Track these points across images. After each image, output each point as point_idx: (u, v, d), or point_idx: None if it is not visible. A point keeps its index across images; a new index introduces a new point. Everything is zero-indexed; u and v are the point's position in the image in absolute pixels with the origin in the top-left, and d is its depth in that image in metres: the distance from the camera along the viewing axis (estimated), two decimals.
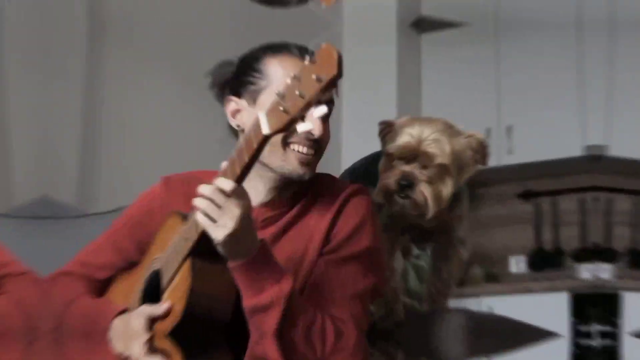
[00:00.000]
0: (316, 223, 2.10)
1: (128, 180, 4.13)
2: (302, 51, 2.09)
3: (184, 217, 2.01)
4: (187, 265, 1.94)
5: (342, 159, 6.00)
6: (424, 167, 2.19)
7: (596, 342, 5.14)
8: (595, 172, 6.10)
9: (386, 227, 2.39)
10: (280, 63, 2.09)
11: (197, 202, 1.87)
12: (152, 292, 2.05)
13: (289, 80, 1.75)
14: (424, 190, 2.17)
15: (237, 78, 2.14)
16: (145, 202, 2.22)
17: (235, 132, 2.17)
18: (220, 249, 1.88)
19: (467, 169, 2.27)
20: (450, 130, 2.23)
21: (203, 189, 1.87)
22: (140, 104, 4.26)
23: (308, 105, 1.72)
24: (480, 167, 2.31)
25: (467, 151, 2.25)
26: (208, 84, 2.21)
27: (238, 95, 2.13)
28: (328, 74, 1.67)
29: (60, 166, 3.92)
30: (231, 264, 1.89)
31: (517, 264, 6.23)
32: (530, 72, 6.05)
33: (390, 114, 5.88)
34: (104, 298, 2.18)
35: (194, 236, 1.92)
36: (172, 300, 1.95)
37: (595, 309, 5.42)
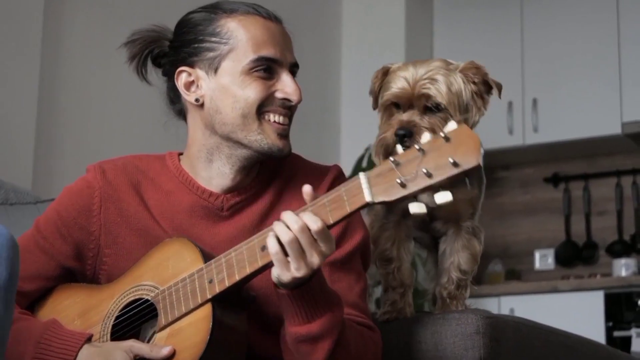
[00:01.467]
0: (299, 207, 2.10)
1: (87, 164, 4.13)
2: (257, 8, 2.10)
3: (202, 253, 1.96)
4: (206, 311, 1.91)
5: (341, 131, 5.99)
6: (424, 112, 2.17)
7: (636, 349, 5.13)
8: (634, 152, 6.09)
9: (388, 209, 2.38)
10: (241, 23, 2.07)
11: (281, 232, 1.82)
12: (131, 323, 2.01)
13: (412, 152, 1.74)
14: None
15: (186, 46, 2.10)
16: (78, 197, 2.13)
17: (179, 110, 2.17)
18: (274, 280, 1.87)
19: (474, 108, 2.22)
20: (447, 68, 2.20)
21: (289, 219, 1.82)
22: (102, 81, 4.29)
23: (433, 189, 1.72)
24: (489, 100, 2.26)
25: (468, 85, 2.21)
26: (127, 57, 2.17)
27: (190, 65, 2.09)
28: (467, 162, 1.71)
29: (13, 149, 3.92)
30: (282, 291, 1.88)
31: (543, 259, 6.22)
32: (558, 36, 6.00)
33: None
34: (53, 319, 2.07)
35: (240, 272, 1.89)
36: (177, 347, 1.91)
37: (633, 311, 5.42)
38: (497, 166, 6.38)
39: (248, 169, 2.12)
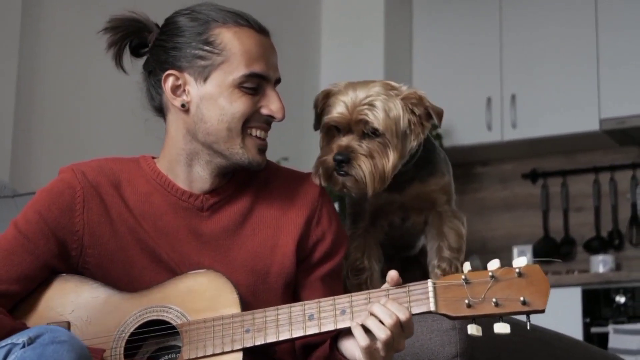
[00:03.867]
0: (283, 215, 2.16)
1: (66, 157, 4.11)
2: (250, 20, 2.11)
3: (240, 297, 1.99)
4: (234, 357, 1.94)
5: None
6: (362, 136, 2.18)
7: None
8: (612, 149, 6.12)
9: (356, 215, 2.40)
10: (235, 36, 2.08)
11: (377, 330, 1.86)
12: (146, 341, 2.02)
13: (483, 274, 1.83)
14: (362, 165, 2.15)
15: (176, 49, 2.10)
16: (60, 197, 2.11)
17: (158, 106, 2.16)
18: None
19: (412, 134, 2.23)
20: (387, 93, 2.21)
21: (383, 314, 1.86)
22: (81, 74, 4.27)
23: (497, 316, 1.80)
24: (432, 130, 2.29)
25: (407, 113, 2.23)
26: (107, 43, 2.17)
27: (179, 69, 2.09)
28: (536, 305, 1.79)
29: None
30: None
31: (521, 255, 6.22)
32: (537, 32, 6.01)
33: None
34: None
35: (281, 334, 1.93)
36: None
37: (610, 308, 5.45)
38: (475, 162, 6.40)
39: (224, 174, 2.15)
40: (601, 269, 5.79)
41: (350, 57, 6.04)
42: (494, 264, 1.83)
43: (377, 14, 6.15)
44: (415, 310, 1.86)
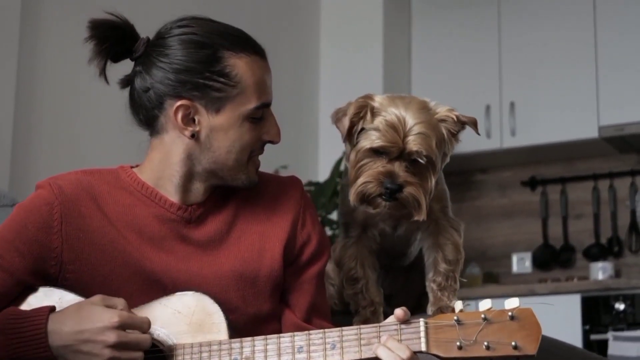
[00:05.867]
0: (268, 219, 2.18)
1: (65, 165, 4.11)
2: (257, 48, 2.12)
3: (228, 322, 1.99)
4: None
5: (319, 131, 6.01)
6: (410, 163, 2.19)
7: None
8: (611, 156, 6.12)
9: (347, 225, 2.41)
10: (248, 66, 2.08)
11: (383, 354, 1.86)
12: None
13: (475, 315, 1.83)
14: (414, 193, 2.17)
15: (183, 74, 2.07)
16: (36, 214, 2.08)
17: (145, 120, 2.14)
18: None
19: (448, 154, 2.27)
20: (430, 117, 2.22)
21: (395, 352, 1.86)
22: (80, 82, 4.27)
23: (487, 359, 1.81)
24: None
25: (446, 134, 2.25)
26: (91, 53, 2.15)
27: (189, 98, 2.07)
28: (527, 349, 1.80)
29: None
30: None
31: (521, 263, 6.24)
32: (536, 40, 6.01)
33: (375, 87, 5.89)
34: (6, 309, 2.04)
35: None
36: None
37: (610, 314, 5.44)
38: (474, 169, 6.40)
39: (217, 187, 2.17)
40: (600, 276, 5.79)
41: (349, 64, 6.04)
42: (485, 305, 1.83)
43: (376, 21, 6.16)
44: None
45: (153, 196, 2.13)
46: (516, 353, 1.79)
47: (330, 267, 2.42)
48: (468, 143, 5.97)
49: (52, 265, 2.08)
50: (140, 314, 2.00)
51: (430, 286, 2.36)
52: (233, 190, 2.19)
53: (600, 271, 5.82)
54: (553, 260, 6.15)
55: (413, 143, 2.18)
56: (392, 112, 2.21)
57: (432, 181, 2.22)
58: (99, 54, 2.14)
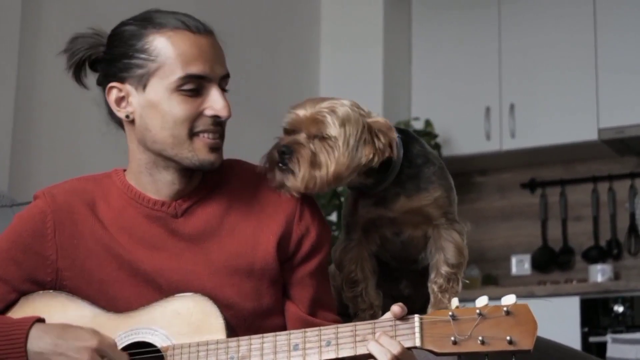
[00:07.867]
0: (261, 212, 2.17)
1: (65, 166, 4.12)
2: (187, 22, 2.08)
3: (226, 323, 2.00)
4: None
5: None
6: (313, 138, 2.17)
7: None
8: (611, 158, 6.12)
9: (349, 226, 2.40)
10: (169, 40, 2.06)
11: (376, 352, 1.87)
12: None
13: (471, 311, 1.82)
14: (300, 158, 2.15)
15: (116, 60, 2.10)
16: (31, 223, 2.14)
17: (118, 120, 2.16)
18: None
19: (364, 150, 2.21)
20: (353, 109, 2.20)
21: (385, 347, 1.87)
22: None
23: (483, 354, 1.81)
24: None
25: (366, 133, 2.21)
26: (67, 63, 2.19)
27: (120, 80, 2.09)
28: (522, 344, 1.79)
29: None
30: None
31: (520, 265, 6.24)
32: (536, 42, 6.03)
33: (375, 89, 5.89)
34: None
35: None
36: None
37: (609, 317, 5.45)
38: (474, 171, 6.40)
39: (190, 175, 2.14)
40: (600, 279, 5.80)
41: (350, 66, 6.05)
42: (481, 301, 1.84)
43: (376, 23, 6.16)
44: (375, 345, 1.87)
45: (137, 197, 2.15)
46: (511, 348, 1.79)
47: (330, 269, 2.42)
48: (468, 145, 6.05)
49: (48, 273, 2.12)
50: (141, 316, 2.03)
51: (432, 287, 2.36)
52: (223, 182, 2.19)
53: (599, 273, 5.82)
54: (552, 262, 6.15)
55: (317, 114, 2.16)
56: (319, 101, 2.21)
57: (332, 163, 2.14)
58: (72, 64, 2.20)
